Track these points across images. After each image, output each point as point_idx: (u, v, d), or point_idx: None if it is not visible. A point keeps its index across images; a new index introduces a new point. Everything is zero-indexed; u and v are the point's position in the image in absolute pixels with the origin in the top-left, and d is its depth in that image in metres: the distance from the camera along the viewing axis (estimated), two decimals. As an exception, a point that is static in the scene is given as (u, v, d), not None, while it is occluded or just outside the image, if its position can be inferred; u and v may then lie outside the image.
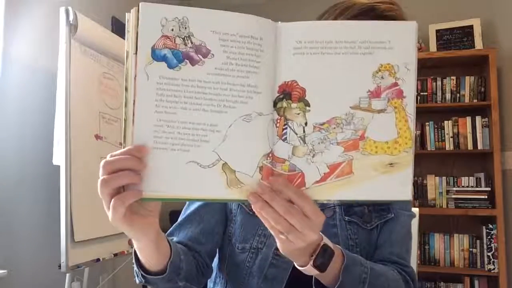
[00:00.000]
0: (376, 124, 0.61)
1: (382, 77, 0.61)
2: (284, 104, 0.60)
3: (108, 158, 0.58)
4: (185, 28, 0.59)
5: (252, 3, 3.27)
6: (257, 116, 0.60)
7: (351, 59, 0.61)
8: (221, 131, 0.59)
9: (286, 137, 0.61)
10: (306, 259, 0.67)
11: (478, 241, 2.82)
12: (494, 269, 2.72)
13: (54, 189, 1.81)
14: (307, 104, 0.60)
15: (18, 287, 1.86)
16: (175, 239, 0.88)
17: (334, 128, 0.61)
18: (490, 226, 2.74)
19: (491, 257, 2.74)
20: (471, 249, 2.83)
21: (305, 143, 0.61)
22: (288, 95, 0.60)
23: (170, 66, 0.59)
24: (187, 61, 0.59)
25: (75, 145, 1.81)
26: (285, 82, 0.61)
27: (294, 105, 0.60)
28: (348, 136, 0.61)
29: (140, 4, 0.58)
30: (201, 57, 0.59)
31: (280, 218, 0.59)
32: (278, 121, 0.61)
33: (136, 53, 0.58)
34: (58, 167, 1.77)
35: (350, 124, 0.61)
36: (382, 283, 0.78)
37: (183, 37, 0.59)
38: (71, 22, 1.79)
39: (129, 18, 0.59)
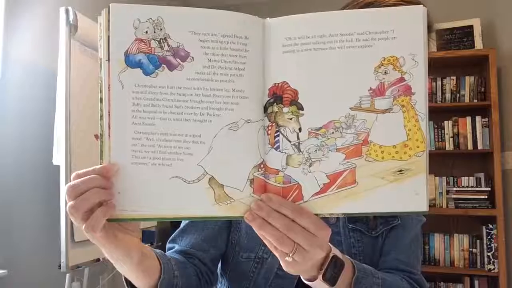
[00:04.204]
0: (381, 126, 0.54)
1: (385, 72, 0.54)
2: (275, 108, 0.54)
3: (72, 181, 0.53)
4: (161, 29, 0.53)
5: (252, 2, 3.26)
6: (245, 123, 0.54)
7: (348, 54, 0.54)
8: (205, 142, 0.54)
9: (279, 145, 0.55)
10: (315, 273, 0.61)
11: (478, 241, 2.81)
12: (494, 269, 2.72)
13: (54, 189, 1.81)
14: (300, 108, 0.54)
15: (18, 287, 1.86)
16: (177, 247, 0.86)
17: (333, 133, 0.54)
18: (490, 226, 2.74)
19: (491, 257, 2.73)
20: (471, 249, 2.82)
21: (300, 151, 0.54)
22: (279, 98, 0.54)
23: (146, 73, 0.53)
24: (165, 66, 0.53)
25: (75, 145, 1.81)
26: (275, 84, 0.54)
27: (286, 109, 0.54)
28: (349, 141, 0.54)
29: (110, 5, 0.53)
30: (179, 61, 0.53)
31: (283, 237, 0.54)
32: (269, 128, 0.55)
33: (108, 60, 0.53)
34: (58, 167, 1.77)
35: (350, 128, 0.54)
36: None
37: (158, 39, 0.53)
38: (71, 22, 1.79)
39: (101, 22, 0.53)
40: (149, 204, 0.54)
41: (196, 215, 0.56)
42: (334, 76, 0.54)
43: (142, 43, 0.53)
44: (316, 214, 0.55)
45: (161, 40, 0.54)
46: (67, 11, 1.79)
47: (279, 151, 0.55)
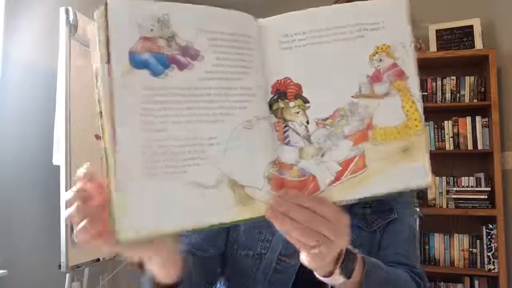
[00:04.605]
0: (382, 110, 0.56)
1: (380, 60, 0.56)
2: (281, 104, 0.55)
3: (70, 197, 0.50)
4: (168, 27, 0.49)
5: (248, 2, 3.27)
6: (257, 121, 0.54)
7: (343, 45, 0.56)
8: (220, 143, 0.51)
9: (289, 140, 0.55)
10: (331, 268, 0.61)
11: (478, 241, 2.81)
12: (494, 269, 2.72)
13: (54, 189, 1.81)
14: (306, 101, 0.55)
15: (18, 287, 1.86)
16: None
17: (339, 121, 0.55)
18: (490, 226, 2.74)
19: (491, 257, 2.73)
20: (471, 249, 2.82)
21: (310, 142, 0.55)
22: (283, 94, 0.55)
23: (155, 74, 0.48)
24: (174, 65, 0.49)
25: (75, 145, 1.81)
26: (277, 80, 0.55)
27: (291, 103, 0.55)
28: (355, 128, 0.56)
29: (107, 1, 0.47)
30: (189, 60, 0.50)
31: (306, 229, 0.53)
32: (277, 124, 0.55)
33: (108, 62, 0.46)
34: (58, 167, 1.77)
35: (355, 115, 0.56)
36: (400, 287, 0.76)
37: (166, 37, 0.49)
38: (71, 22, 1.79)
39: (97, 21, 0.47)
40: (165, 217, 0.48)
41: (219, 222, 0.51)
42: (333, 67, 0.56)
43: (148, 41, 0.48)
44: (334, 202, 0.55)
45: (169, 38, 0.49)
46: (67, 11, 1.79)
47: (290, 145, 0.55)
